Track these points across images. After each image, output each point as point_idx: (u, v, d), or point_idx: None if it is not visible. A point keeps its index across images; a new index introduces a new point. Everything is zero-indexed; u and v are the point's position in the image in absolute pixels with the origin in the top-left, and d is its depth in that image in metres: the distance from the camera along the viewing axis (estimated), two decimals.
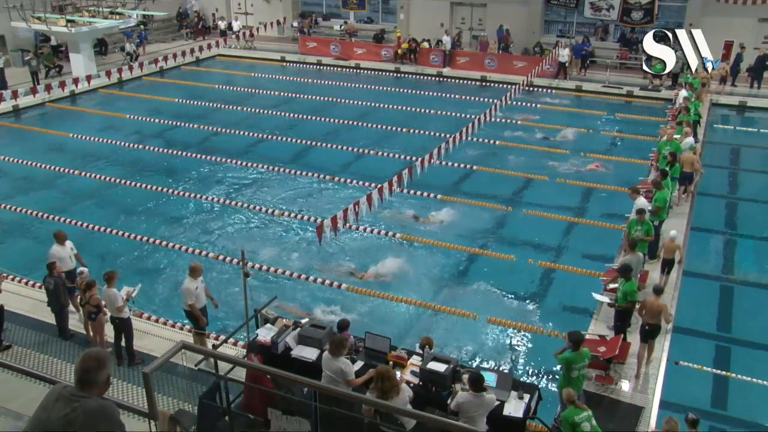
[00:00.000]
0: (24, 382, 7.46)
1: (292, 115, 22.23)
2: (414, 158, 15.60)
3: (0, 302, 9.97)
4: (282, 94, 24.76)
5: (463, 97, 24.23)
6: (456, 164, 17.57)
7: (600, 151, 18.86)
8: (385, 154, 18.66)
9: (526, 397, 7.72)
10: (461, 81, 26.47)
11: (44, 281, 10.19)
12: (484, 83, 26.09)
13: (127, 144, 19.59)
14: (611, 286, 10.60)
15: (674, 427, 7.15)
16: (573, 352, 8.18)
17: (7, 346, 10.02)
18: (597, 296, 10.83)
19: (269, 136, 20.23)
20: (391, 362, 8.10)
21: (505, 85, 23.45)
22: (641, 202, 12.13)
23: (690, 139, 15.28)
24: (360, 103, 23.51)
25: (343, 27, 31.37)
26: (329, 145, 19.30)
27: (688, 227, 13.80)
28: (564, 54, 25.07)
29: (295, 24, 32.19)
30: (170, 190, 16.34)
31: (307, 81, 26.78)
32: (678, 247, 11.76)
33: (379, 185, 13.34)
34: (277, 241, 14.10)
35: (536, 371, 10.16)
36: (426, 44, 28.77)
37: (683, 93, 19.06)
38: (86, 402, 3.40)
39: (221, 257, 13.18)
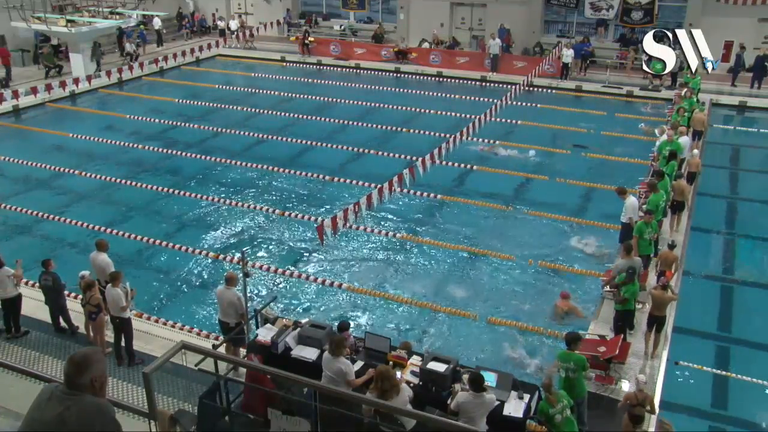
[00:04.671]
0: (24, 382, 7.47)
1: (291, 115, 22.20)
2: (414, 158, 15.60)
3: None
4: (282, 94, 24.74)
5: (463, 97, 24.22)
6: (456, 164, 17.56)
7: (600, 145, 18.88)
8: (385, 154, 18.65)
9: (526, 397, 7.71)
10: (461, 81, 26.46)
11: (40, 279, 10.14)
12: (484, 83, 26.08)
13: (127, 144, 19.57)
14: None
15: (668, 429, 7.16)
16: (564, 351, 8.19)
17: (25, 332, 10.13)
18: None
19: (269, 136, 20.21)
20: (391, 362, 8.10)
21: (505, 85, 23.44)
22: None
23: (687, 138, 15.25)
24: (360, 103, 23.49)
25: (342, 26, 31.31)
26: (329, 145, 19.28)
27: (688, 227, 13.79)
28: (567, 54, 25.03)
29: (283, 21, 32.02)
30: (170, 190, 16.31)
31: (307, 81, 26.77)
32: (699, 162, 14.73)
33: (379, 185, 13.33)
34: (277, 240, 14.09)
35: (536, 371, 10.14)
36: (427, 44, 28.80)
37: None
38: (80, 400, 3.36)
39: (221, 257, 13.19)
